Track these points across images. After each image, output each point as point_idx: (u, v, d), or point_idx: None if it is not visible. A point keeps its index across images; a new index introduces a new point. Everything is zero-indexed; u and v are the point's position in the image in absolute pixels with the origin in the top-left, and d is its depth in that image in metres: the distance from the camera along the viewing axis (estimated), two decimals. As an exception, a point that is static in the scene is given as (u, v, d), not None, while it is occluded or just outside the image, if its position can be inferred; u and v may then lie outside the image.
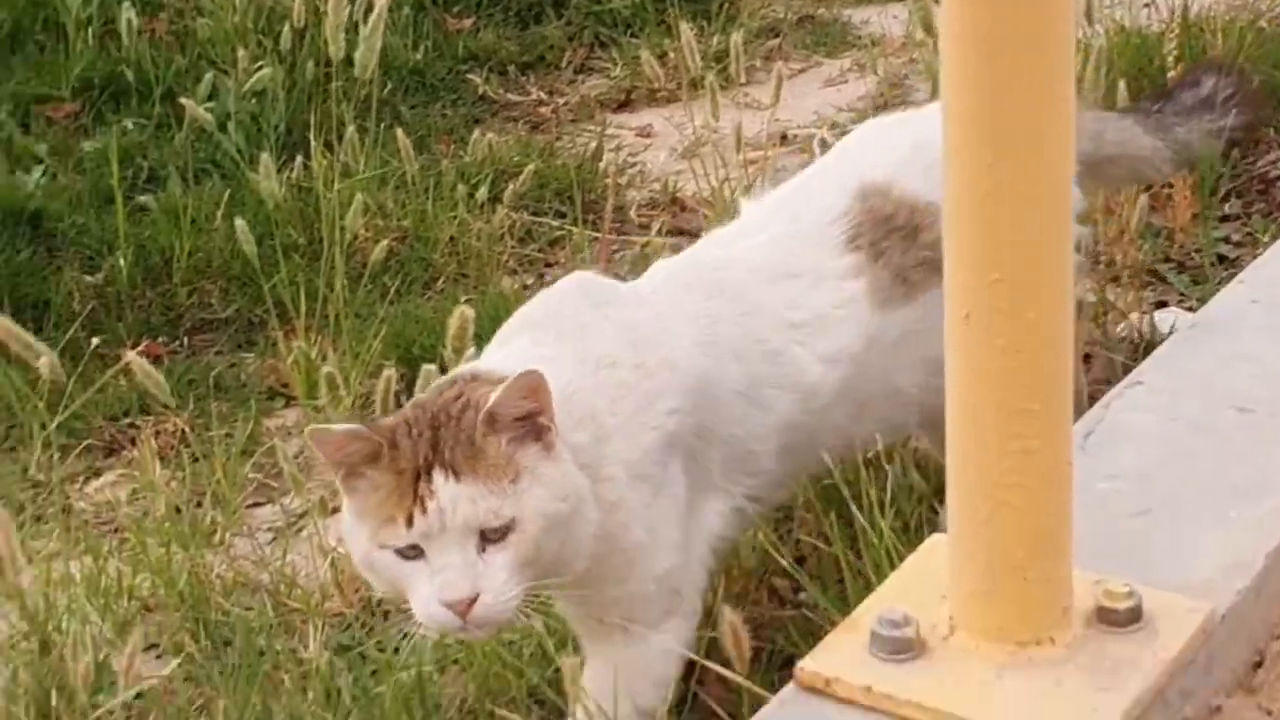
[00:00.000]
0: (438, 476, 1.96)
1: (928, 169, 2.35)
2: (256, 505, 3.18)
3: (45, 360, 2.73)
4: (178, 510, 2.95)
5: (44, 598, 2.75)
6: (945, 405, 1.60)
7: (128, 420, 3.41)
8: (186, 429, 3.26)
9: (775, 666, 2.31)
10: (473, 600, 1.93)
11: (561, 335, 2.18)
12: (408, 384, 2.83)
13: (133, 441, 3.32)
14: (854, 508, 2.25)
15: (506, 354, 2.17)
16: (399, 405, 2.94)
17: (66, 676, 2.50)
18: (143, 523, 3.00)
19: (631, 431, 2.12)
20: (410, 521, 1.94)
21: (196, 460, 3.19)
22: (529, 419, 1.99)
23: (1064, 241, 1.54)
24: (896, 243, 2.34)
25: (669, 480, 2.15)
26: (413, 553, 1.96)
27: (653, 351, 2.18)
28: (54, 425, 3.12)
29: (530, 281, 3.83)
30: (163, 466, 3.10)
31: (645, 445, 2.12)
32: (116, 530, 3.11)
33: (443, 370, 2.71)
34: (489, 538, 1.95)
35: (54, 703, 2.52)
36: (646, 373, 2.15)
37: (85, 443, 3.31)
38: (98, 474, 3.31)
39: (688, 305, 2.26)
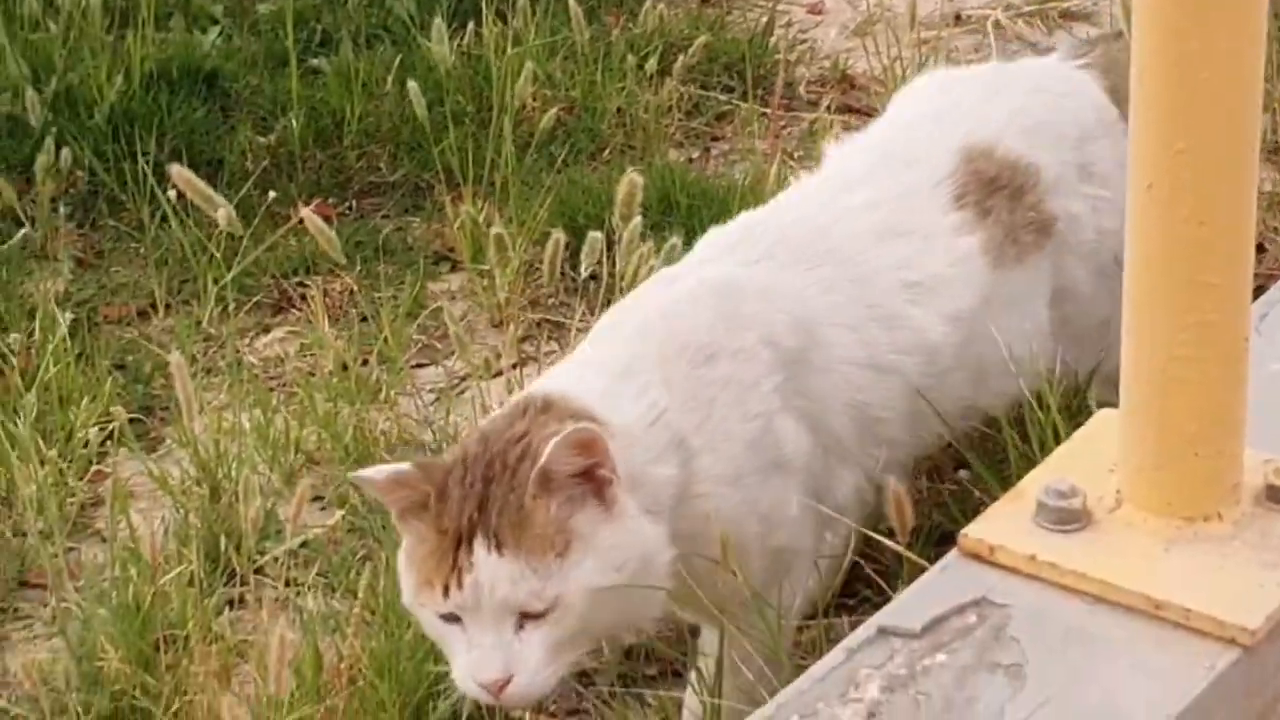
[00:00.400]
0: (479, 547, 1.86)
1: (1028, 131, 2.37)
2: (420, 366, 3.22)
3: (223, 212, 2.78)
4: (344, 367, 2.99)
5: (215, 446, 2.81)
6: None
7: (297, 279, 3.46)
8: (355, 288, 3.31)
9: (932, 542, 2.31)
10: (506, 681, 1.87)
11: (640, 331, 2.10)
12: (572, 252, 2.85)
13: (302, 299, 3.37)
14: (1020, 383, 2.24)
15: (589, 367, 2.07)
16: (564, 274, 2.98)
17: (235, 522, 2.56)
18: (310, 378, 3.06)
19: (725, 438, 2.04)
20: (446, 592, 1.87)
21: (364, 320, 3.24)
22: (587, 473, 1.88)
23: (1253, 111, 1.51)
24: (1003, 202, 2.30)
25: (783, 457, 2.09)
26: (451, 617, 1.90)
27: (752, 331, 2.10)
28: (228, 278, 3.18)
29: (696, 155, 3.82)
30: (330, 325, 3.15)
31: (747, 439, 2.05)
32: (284, 385, 3.17)
33: (609, 240, 2.73)
34: (529, 614, 1.87)
35: (223, 547, 2.59)
36: (746, 356, 2.08)
37: (255, 299, 3.37)
38: (267, 330, 3.37)
39: (790, 277, 2.18)
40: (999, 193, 2.30)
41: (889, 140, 2.42)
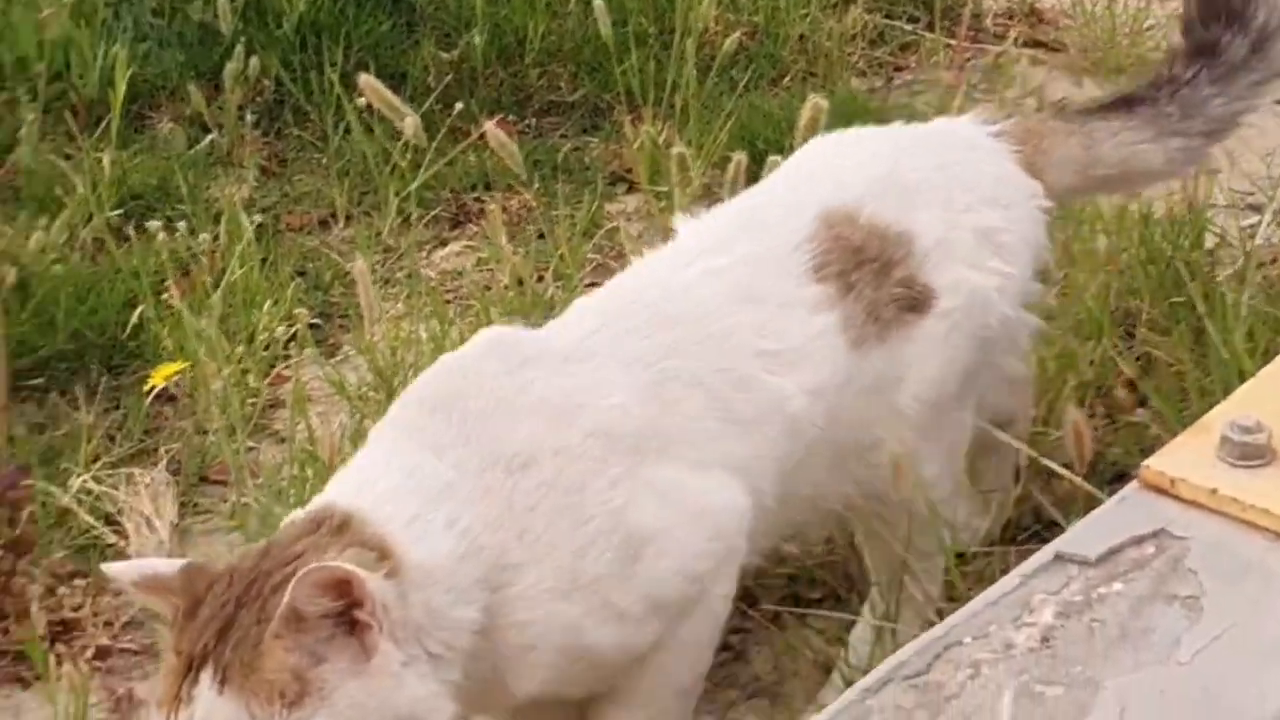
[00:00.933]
0: (204, 679, 1.63)
1: (904, 193, 2.14)
2: (595, 285, 3.24)
3: (410, 121, 2.81)
4: (520, 283, 3.02)
5: (391, 354, 2.86)
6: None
7: (476, 194, 3.50)
8: (533, 205, 3.33)
9: (1106, 480, 2.29)
10: None
11: (461, 437, 1.85)
12: (751, 177, 2.84)
13: (480, 214, 3.40)
14: (1207, 321, 2.20)
15: (409, 477, 1.82)
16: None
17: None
18: (486, 292, 3.09)
19: (550, 550, 1.82)
20: None
21: (540, 237, 3.27)
22: (344, 615, 1.64)
23: None
24: (868, 276, 2.07)
25: (641, 542, 1.87)
26: None
27: (578, 423, 1.88)
28: (410, 190, 3.22)
29: (878, 84, 3.80)
30: (507, 240, 3.18)
31: (577, 546, 1.83)
32: (460, 298, 3.21)
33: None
34: None
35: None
36: (570, 456, 1.86)
37: (434, 213, 3.41)
38: (444, 243, 3.41)
39: (629, 347, 1.97)
40: (865, 265, 2.07)
41: (750, 205, 2.21)
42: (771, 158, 2.68)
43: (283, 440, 2.86)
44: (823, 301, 2.03)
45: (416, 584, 1.71)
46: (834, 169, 2.19)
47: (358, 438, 2.71)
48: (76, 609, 2.55)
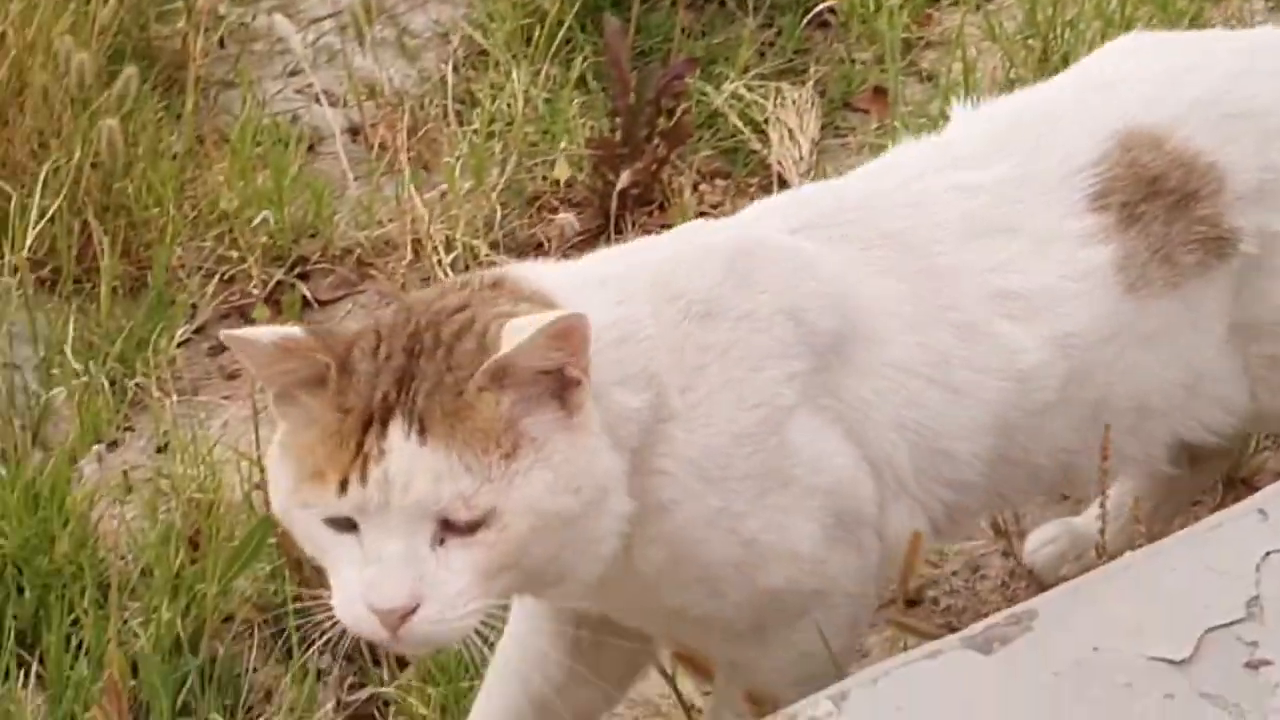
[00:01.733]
0: (395, 431, 1.44)
1: (1223, 121, 1.80)
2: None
3: None
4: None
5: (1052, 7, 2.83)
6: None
7: None
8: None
9: None
10: (411, 611, 1.44)
11: (644, 260, 1.66)
12: None
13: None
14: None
15: (564, 268, 1.65)
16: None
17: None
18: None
19: (707, 421, 1.59)
20: (344, 487, 1.45)
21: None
22: (554, 372, 1.47)
23: None
24: (1160, 210, 1.76)
25: (790, 469, 1.62)
26: (344, 523, 1.47)
27: (769, 295, 1.63)
28: None
29: None
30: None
31: (737, 432, 1.60)
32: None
33: None
34: (452, 527, 1.45)
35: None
36: (756, 326, 1.61)
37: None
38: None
39: (837, 251, 1.70)
40: (1159, 198, 1.77)
41: (1027, 110, 1.86)
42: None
43: (927, 78, 2.91)
44: (1097, 234, 1.75)
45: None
46: (1143, 80, 1.85)
47: (1007, 86, 2.72)
48: (715, 206, 2.70)
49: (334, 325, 2.40)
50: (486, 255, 2.57)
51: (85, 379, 2.39)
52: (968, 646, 1.44)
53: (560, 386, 1.46)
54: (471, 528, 1.43)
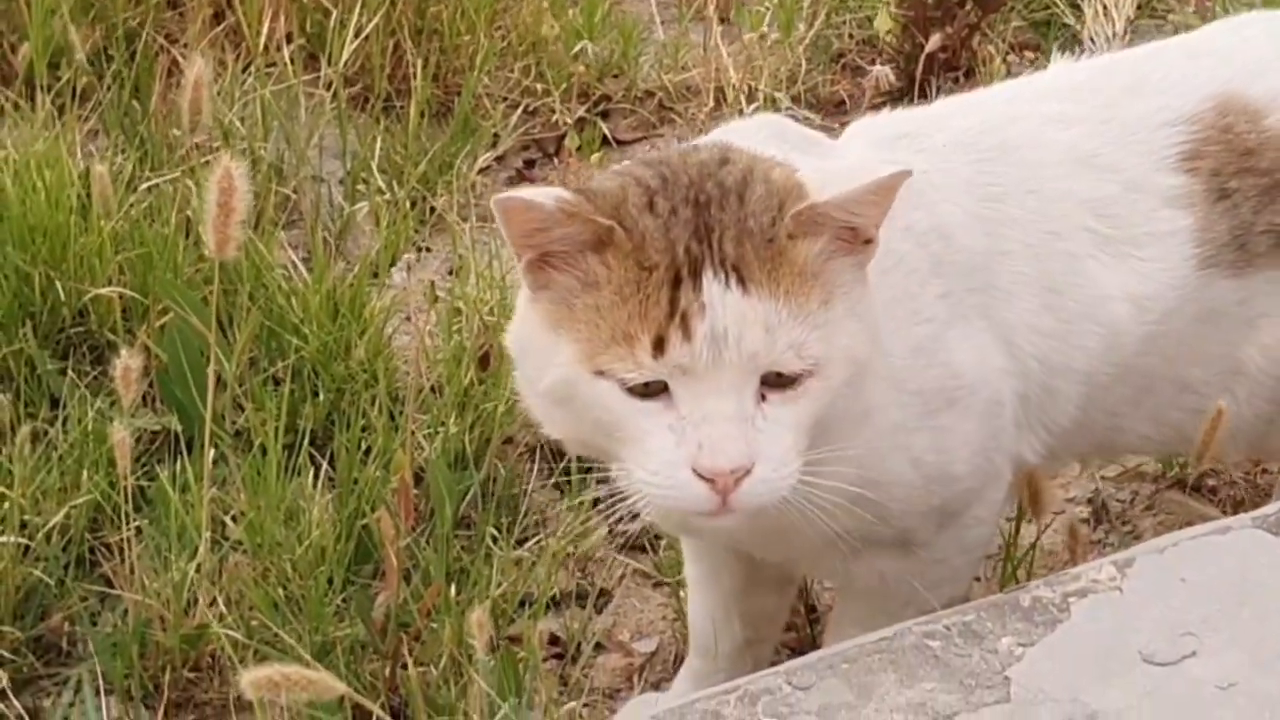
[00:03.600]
0: (712, 283, 1.36)
1: None
2: None
3: None
4: None
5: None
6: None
7: None
8: None
9: None
10: (745, 472, 1.36)
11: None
12: None
13: None
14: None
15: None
16: None
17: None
18: None
19: (893, 324, 1.52)
20: (661, 346, 1.36)
21: None
22: (852, 227, 1.41)
23: None
24: (1252, 190, 1.65)
25: (957, 385, 1.57)
26: (650, 391, 1.38)
27: (925, 208, 1.56)
28: None
29: None
30: None
31: (914, 344, 1.54)
32: None
33: None
34: (772, 381, 1.38)
35: None
36: (916, 239, 1.55)
37: None
38: None
39: (959, 165, 1.62)
40: (1250, 175, 1.66)
41: (1132, 61, 1.77)
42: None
43: None
44: (1182, 197, 1.65)
45: None
46: (1254, 52, 1.74)
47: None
48: (1022, 78, 2.65)
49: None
50: (788, 108, 2.57)
51: (388, 196, 2.45)
52: (1258, 526, 1.43)
53: (850, 248, 1.41)
54: (790, 382, 1.37)
